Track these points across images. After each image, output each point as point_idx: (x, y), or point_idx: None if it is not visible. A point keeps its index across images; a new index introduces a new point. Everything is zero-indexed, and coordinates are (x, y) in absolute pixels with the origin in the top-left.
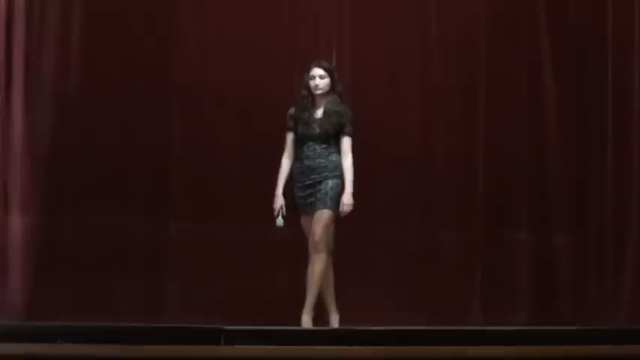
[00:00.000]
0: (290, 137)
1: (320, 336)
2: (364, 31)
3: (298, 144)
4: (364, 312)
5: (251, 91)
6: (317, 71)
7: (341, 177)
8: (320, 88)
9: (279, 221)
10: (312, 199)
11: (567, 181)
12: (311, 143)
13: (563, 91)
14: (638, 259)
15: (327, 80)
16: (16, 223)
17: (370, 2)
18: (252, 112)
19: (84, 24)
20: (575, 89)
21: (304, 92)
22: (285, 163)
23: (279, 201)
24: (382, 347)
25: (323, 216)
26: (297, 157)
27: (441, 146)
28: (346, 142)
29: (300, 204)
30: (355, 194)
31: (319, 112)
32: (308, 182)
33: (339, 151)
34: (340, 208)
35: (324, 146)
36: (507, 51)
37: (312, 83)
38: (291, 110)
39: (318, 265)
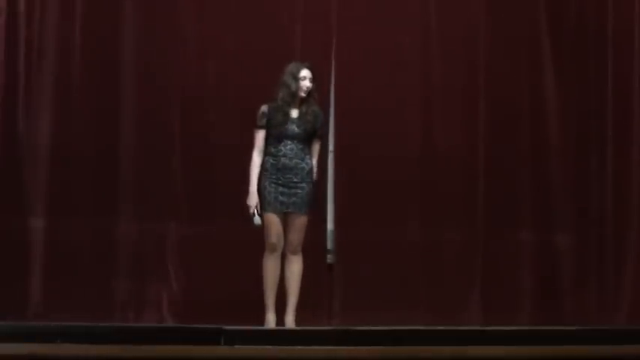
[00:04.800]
0: (262, 134)
1: (320, 336)
2: (364, 31)
3: (272, 141)
4: (364, 312)
5: (251, 91)
6: (307, 72)
7: (313, 182)
8: (309, 90)
9: (257, 219)
10: (285, 200)
11: (568, 181)
12: (289, 142)
13: (564, 91)
14: (638, 260)
15: (312, 83)
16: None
17: (370, 2)
18: (252, 112)
19: (84, 24)
20: (576, 90)
21: (288, 90)
22: (257, 160)
23: (255, 198)
24: (382, 347)
25: (302, 223)
26: (269, 153)
27: (442, 146)
28: (319, 146)
29: (271, 198)
30: (354, 194)
31: (294, 112)
32: (283, 180)
33: (310, 154)
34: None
35: (301, 146)
36: (508, 51)
37: (303, 84)
38: (264, 108)
39: (297, 266)
